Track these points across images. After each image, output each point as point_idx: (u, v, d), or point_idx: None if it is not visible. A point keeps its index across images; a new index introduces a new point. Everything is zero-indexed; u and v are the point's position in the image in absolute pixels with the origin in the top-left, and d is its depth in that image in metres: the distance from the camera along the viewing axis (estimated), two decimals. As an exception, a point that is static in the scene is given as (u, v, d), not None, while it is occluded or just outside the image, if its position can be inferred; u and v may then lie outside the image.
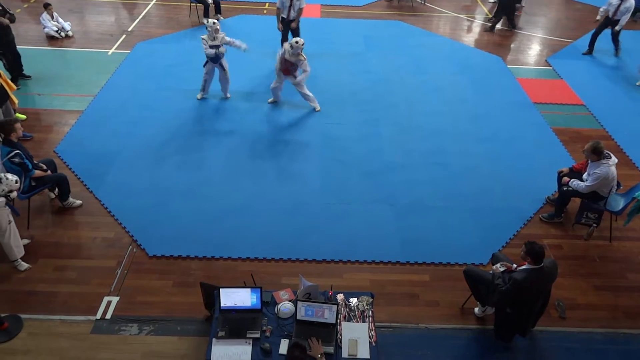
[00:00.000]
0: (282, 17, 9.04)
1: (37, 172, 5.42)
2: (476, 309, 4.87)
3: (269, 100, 8.16)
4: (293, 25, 9.16)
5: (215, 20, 7.62)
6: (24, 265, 5.11)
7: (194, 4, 11.18)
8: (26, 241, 5.30)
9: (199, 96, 8.13)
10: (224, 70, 7.88)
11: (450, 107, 8.31)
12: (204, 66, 7.84)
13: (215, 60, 7.70)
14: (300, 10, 9.04)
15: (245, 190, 6.28)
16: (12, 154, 5.13)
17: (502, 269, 4.34)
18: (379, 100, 8.39)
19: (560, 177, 6.02)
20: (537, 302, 4.25)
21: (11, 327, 4.52)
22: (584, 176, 5.66)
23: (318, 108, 8.01)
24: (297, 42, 7.24)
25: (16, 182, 4.80)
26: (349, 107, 8.15)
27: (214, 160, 6.81)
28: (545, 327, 4.76)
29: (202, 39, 7.59)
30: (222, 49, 7.62)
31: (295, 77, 7.62)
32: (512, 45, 10.88)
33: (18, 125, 5.31)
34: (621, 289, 5.26)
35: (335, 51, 10.04)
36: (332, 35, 10.81)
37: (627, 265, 5.54)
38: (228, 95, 8.24)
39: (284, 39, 9.31)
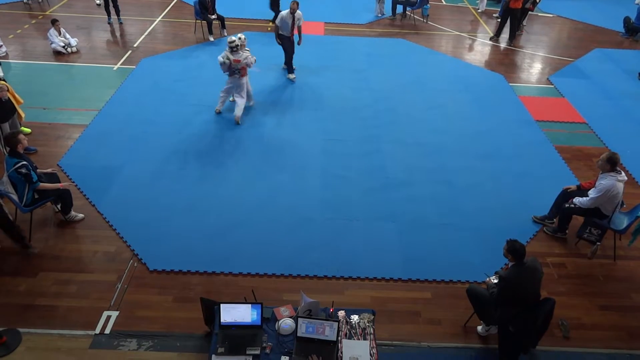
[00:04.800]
0: (282, 35, 9.18)
1: (42, 185, 5.45)
2: (479, 328, 4.82)
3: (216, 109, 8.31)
4: (299, 43, 9.37)
5: (241, 36, 7.85)
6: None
7: (199, 21, 11.35)
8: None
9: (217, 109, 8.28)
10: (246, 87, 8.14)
11: (452, 124, 8.35)
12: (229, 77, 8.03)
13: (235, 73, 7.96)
14: (300, 28, 9.23)
15: (246, 206, 6.28)
16: (19, 164, 5.19)
17: (495, 280, 4.44)
18: (381, 117, 8.43)
19: (563, 193, 6.01)
20: (529, 297, 4.25)
21: (9, 341, 4.49)
22: (590, 191, 5.64)
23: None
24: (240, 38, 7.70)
25: None
26: (351, 124, 8.19)
27: (216, 175, 6.83)
28: (548, 347, 4.70)
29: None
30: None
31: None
32: (514, 64, 10.96)
33: (22, 136, 5.36)
34: (626, 308, 5.21)
35: (338, 68, 10.14)
36: (335, 52, 10.93)
37: (632, 285, 5.49)
38: (251, 103, 8.50)
39: (290, 56, 9.43)
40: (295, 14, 9.00)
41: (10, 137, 5.30)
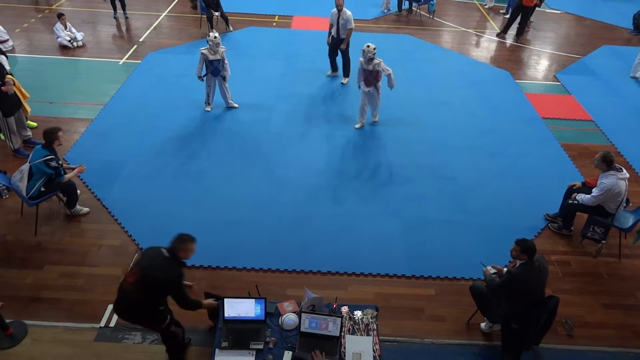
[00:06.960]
0: (332, 35, 8.85)
1: (67, 177, 5.60)
2: (482, 324, 4.82)
3: (356, 126, 7.89)
4: (342, 47, 8.88)
5: (217, 35, 7.59)
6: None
7: (205, 16, 11.34)
8: None
9: (208, 109, 8.14)
10: (224, 81, 7.94)
11: (458, 121, 8.31)
12: (203, 77, 7.81)
13: (215, 73, 7.75)
14: (349, 31, 8.67)
15: (251, 201, 6.29)
16: (49, 157, 5.36)
17: (493, 271, 4.48)
18: (386, 113, 8.40)
19: (569, 190, 5.98)
20: (536, 296, 4.23)
21: (15, 333, 4.53)
22: (593, 190, 5.61)
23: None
24: (368, 47, 7.21)
25: None
26: (355, 119, 8.14)
27: (221, 170, 6.84)
28: (552, 345, 4.69)
29: (202, 52, 7.57)
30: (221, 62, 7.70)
31: (377, 87, 7.52)
32: (520, 60, 10.89)
33: (61, 134, 5.52)
34: (630, 307, 5.19)
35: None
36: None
37: (637, 284, 5.46)
38: (235, 105, 8.30)
39: (332, 59, 9.19)
40: (342, 13, 8.48)
41: (50, 132, 5.43)
